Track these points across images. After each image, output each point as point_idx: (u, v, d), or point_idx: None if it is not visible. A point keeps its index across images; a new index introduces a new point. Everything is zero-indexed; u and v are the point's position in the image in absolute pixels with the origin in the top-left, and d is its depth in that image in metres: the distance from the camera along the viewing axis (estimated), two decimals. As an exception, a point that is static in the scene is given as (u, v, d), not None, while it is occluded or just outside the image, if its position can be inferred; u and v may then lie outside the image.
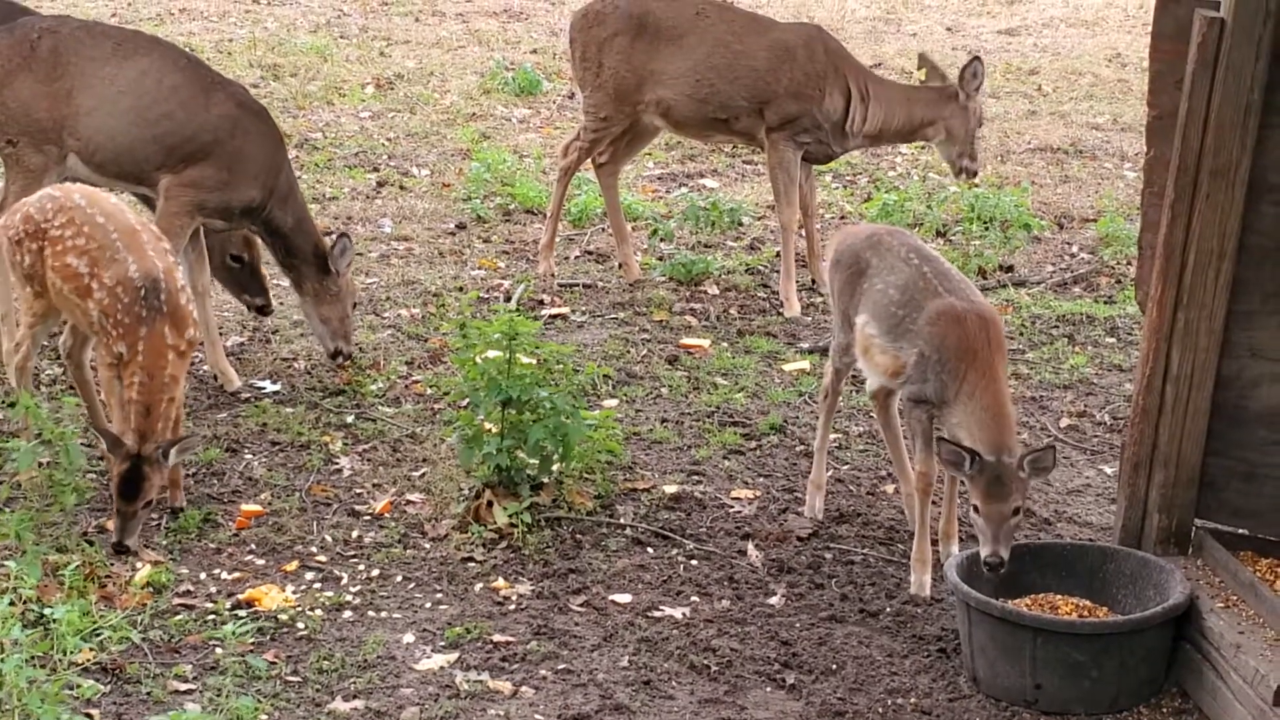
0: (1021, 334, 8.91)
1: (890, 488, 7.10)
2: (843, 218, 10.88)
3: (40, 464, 5.96)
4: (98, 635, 5.38)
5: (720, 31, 9.13)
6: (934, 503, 6.32)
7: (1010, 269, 9.95)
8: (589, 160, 9.48)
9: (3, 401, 7.37)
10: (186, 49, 8.05)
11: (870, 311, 6.29)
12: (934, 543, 6.34)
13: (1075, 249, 10.44)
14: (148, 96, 7.49)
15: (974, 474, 5.76)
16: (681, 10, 9.20)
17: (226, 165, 7.54)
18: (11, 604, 5.05)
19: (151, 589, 5.90)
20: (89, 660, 5.33)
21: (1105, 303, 9.47)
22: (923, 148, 12.30)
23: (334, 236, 7.77)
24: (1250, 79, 5.51)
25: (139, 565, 6.05)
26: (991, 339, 6.00)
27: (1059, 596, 5.84)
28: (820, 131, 9.11)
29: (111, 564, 5.99)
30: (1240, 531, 5.97)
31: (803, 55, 9.09)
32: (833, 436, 7.18)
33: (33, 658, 4.93)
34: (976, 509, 5.77)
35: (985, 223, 10.41)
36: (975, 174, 9.46)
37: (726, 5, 9.76)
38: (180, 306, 6.28)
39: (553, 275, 9.39)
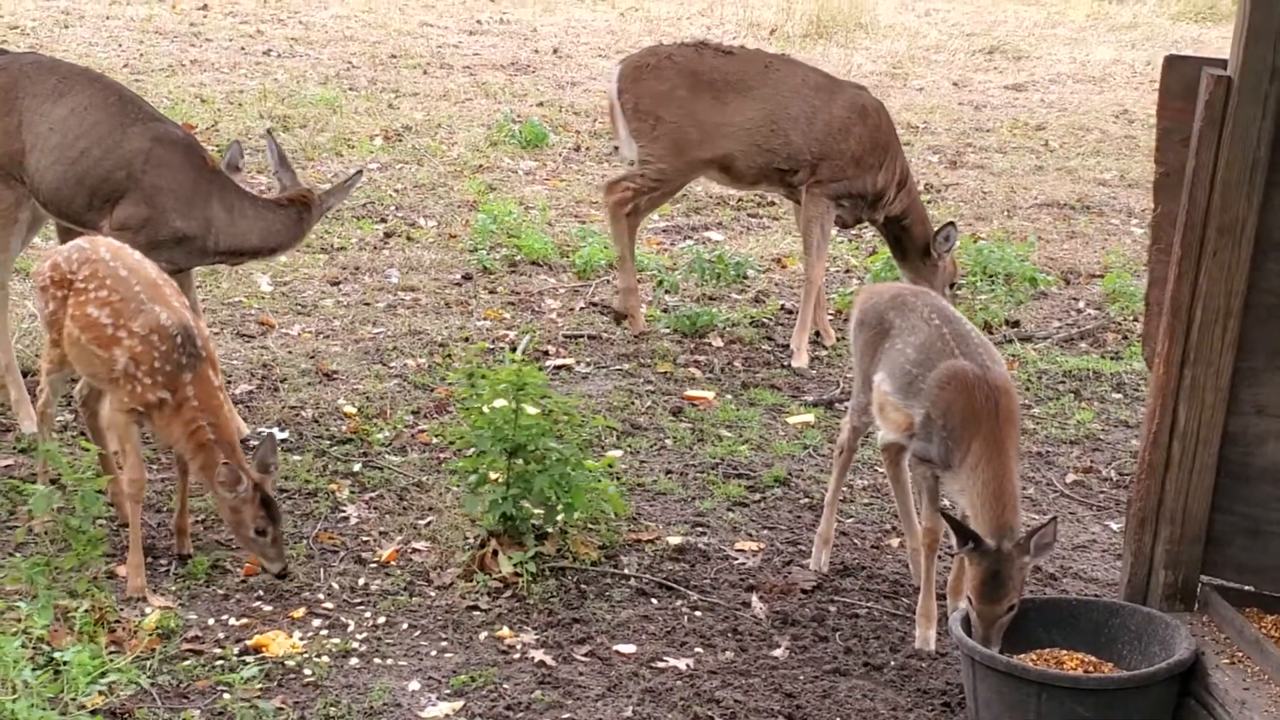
0: (1028, 389, 8.94)
1: (895, 541, 7.11)
2: (847, 271, 10.94)
3: (54, 509, 5.98)
4: (107, 679, 5.38)
5: (795, 83, 9.17)
6: (939, 557, 6.33)
7: (1016, 324, 9.99)
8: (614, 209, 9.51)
9: (16, 446, 7.40)
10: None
11: (887, 369, 6.26)
12: (940, 597, 6.35)
13: (1082, 304, 10.48)
14: (70, 134, 7.35)
15: (972, 560, 5.68)
16: (746, 65, 9.23)
17: (144, 201, 7.35)
18: (23, 645, 5.06)
19: (160, 634, 5.91)
20: (98, 704, 5.33)
21: (1112, 358, 9.50)
22: (930, 200, 12.40)
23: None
24: (1257, 137, 5.54)
25: (148, 610, 6.07)
26: (1000, 409, 5.88)
27: (1064, 652, 5.81)
28: (861, 200, 9.17)
29: (121, 609, 6.00)
30: (1246, 588, 5.96)
31: (872, 122, 9.16)
32: (837, 490, 7.19)
33: (44, 700, 4.93)
34: (970, 600, 5.72)
35: (991, 277, 10.46)
36: None
37: (793, 59, 9.81)
38: (212, 352, 6.35)
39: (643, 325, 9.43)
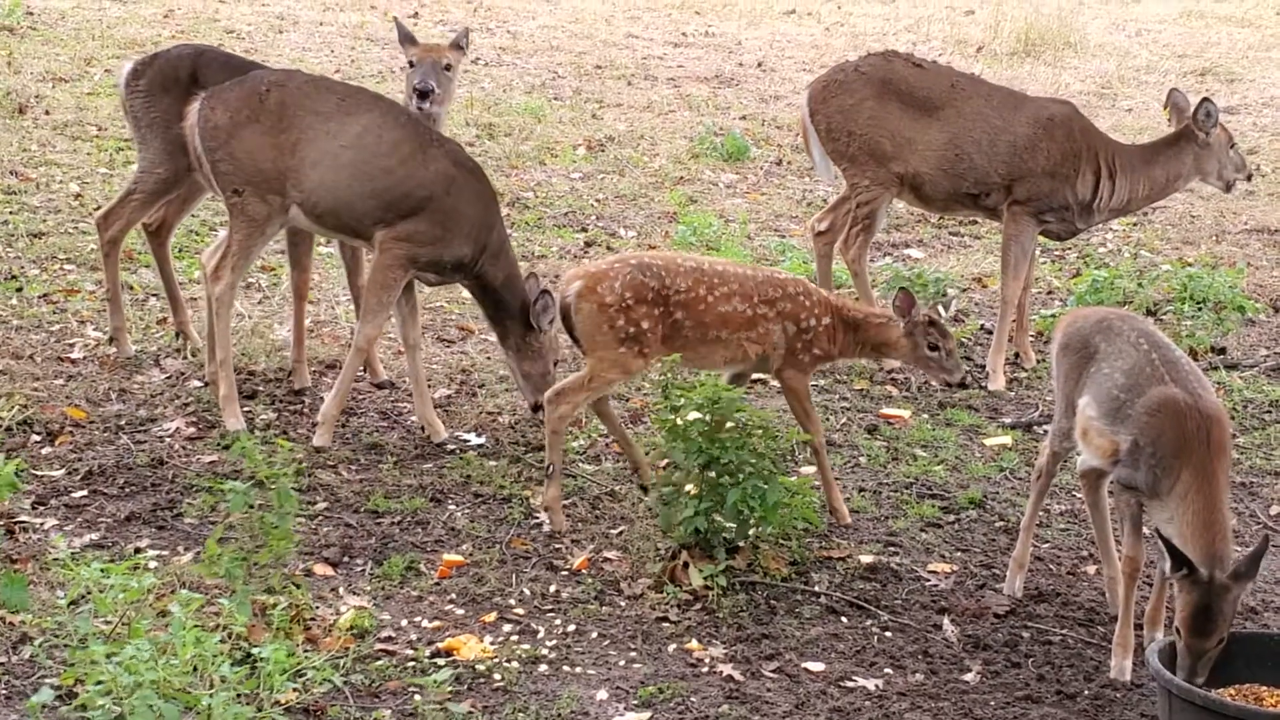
0: (1233, 418, 8.69)
1: (1091, 568, 6.99)
2: (1050, 293, 10.78)
3: (251, 507, 6.10)
4: (302, 676, 5.48)
5: (978, 104, 9.04)
6: (1138, 586, 6.20)
7: (1222, 351, 9.76)
8: (811, 229, 9.50)
9: (220, 443, 7.58)
10: (406, 106, 8.18)
11: (1093, 394, 6.16)
12: (1137, 627, 6.22)
13: (1292, 333, 10.23)
14: (368, 152, 7.59)
15: (1183, 589, 5.56)
16: (934, 81, 9.12)
17: (440, 221, 7.62)
18: (222, 641, 5.17)
19: (354, 633, 6.00)
20: (292, 701, 5.43)
21: (1321, 389, 9.25)
22: (1135, 223, 12.17)
23: (536, 294, 7.83)
24: None
25: (343, 609, 6.18)
26: (1212, 439, 5.76)
27: (1264, 688, 5.69)
28: (1066, 211, 9.00)
29: (317, 606, 6.11)
30: None
31: (1061, 133, 8.99)
32: (1035, 515, 7.08)
33: (240, 695, 5.03)
34: (1179, 633, 5.60)
35: (1198, 303, 10.24)
36: (1249, 177, 9.31)
37: (979, 78, 9.69)
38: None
39: None
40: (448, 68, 8.38)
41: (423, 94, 8.20)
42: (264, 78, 7.76)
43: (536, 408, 7.90)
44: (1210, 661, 5.57)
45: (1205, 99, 9.10)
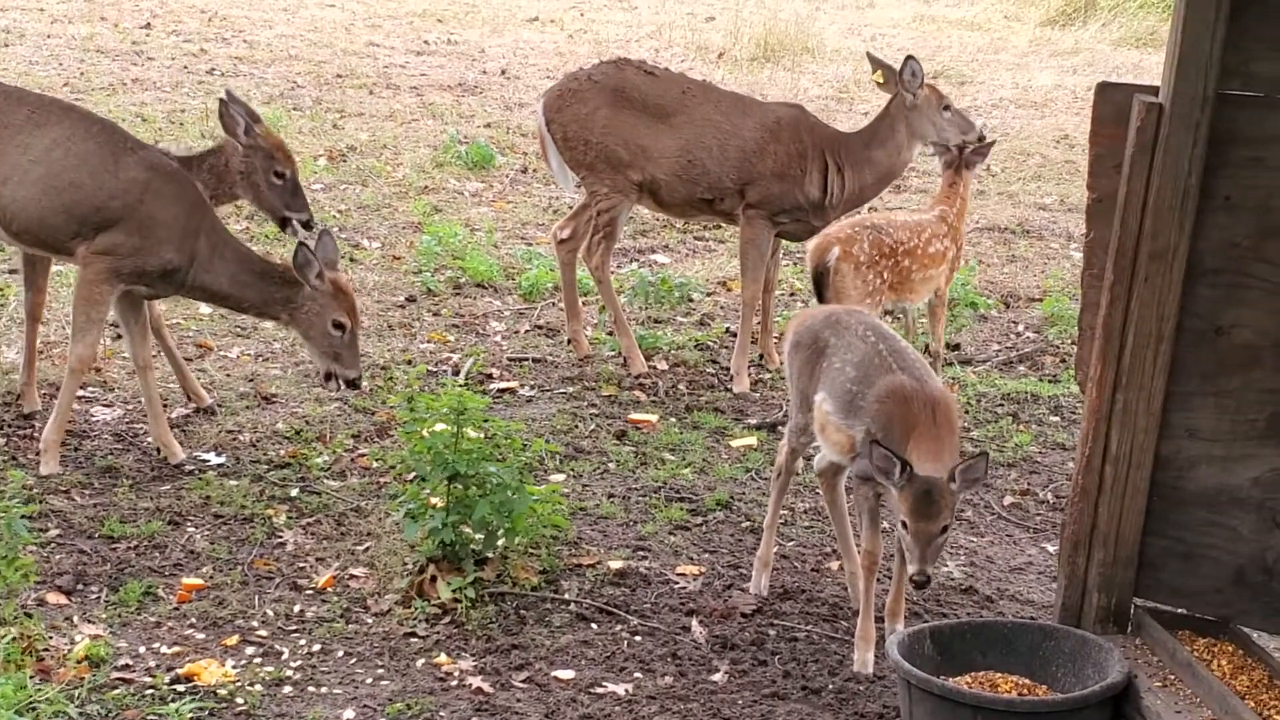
0: (967, 412, 8.97)
1: (835, 564, 7.12)
2: (792, 294, 10.95)
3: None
4: (34, 710, 5.33)
5: (708, 111, 9.13)
6: (878, 579, 6.34)
7: (956, 347, 10.03)
8: (554, 236, 9.53)
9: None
10: (108, 116, 7.93)
11: (828, 389, 6.30)
12: (878, 620, 6.35)
13: (1021, 328, 10.54)
14: (57, 165, 7.37)
15: (903, 486, 5.72)
16: (666, 89, 9.20)
17: (138, 230, 7.37)
18: (-55, 677, 5.02)
19: (90, 663, 5.84)
20: (23, 735, 5.30)
21: (1050, 382, 9.55)
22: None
23: (295, 249, 7.46)
24: (1188, 164, 5.56)
25: (77, 638, 6.01)
26: (938, 417, 5.95)
27: (999, 675, 5.84)
28: (800, 211, 9.14)
29: (50, 637, 5.94)
30: (1179, 611, 6.00)
31: (787, 135, 9.11)
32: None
33: (-36, 732, 4.89)
34: (904, 524, 5.76)
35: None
36: (982, 140, 9.31)
37: (710, 84, 9.79)
38: None
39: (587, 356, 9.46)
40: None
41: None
42: None
43: (329, 377, 7.66)
44: (939, 551, 5.76)
45: (910, 57, 9.26)
